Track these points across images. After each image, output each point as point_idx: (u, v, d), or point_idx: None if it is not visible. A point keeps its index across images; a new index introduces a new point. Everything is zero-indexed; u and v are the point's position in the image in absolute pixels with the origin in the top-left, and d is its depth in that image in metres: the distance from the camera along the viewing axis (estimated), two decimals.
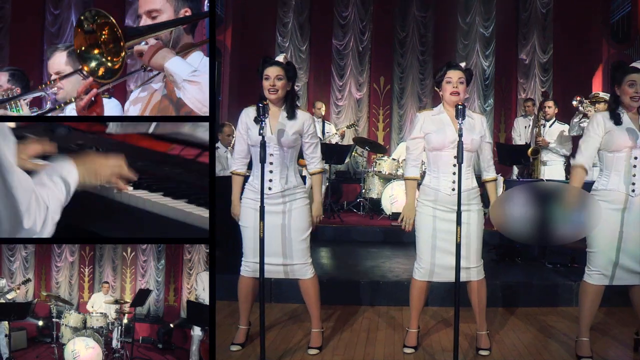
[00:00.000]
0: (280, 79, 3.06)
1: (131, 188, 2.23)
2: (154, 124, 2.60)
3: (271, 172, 3.11)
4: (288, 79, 3.09)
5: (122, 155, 2.09)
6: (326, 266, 5.13)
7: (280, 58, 3.12)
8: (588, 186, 3.13)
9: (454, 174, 3.08)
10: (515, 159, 6.30)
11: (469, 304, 3.27)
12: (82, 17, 2.38)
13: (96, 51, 2.38)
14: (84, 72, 2.45)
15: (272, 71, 3.06)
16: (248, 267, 3.19)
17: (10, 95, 2.89)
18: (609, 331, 3.65)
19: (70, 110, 2.83)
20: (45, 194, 1.84)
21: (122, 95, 4.25)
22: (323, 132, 7.41)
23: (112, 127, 2.57)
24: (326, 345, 3.32)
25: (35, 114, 2.88)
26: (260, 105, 2.84)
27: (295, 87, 3.33)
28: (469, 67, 3.24)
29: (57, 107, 2.79)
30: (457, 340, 2.86)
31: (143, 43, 2.58)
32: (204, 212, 2.19)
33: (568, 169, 5.98)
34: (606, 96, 4.74)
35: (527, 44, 9.11)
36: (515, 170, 6.85)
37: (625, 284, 3.09)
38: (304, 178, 6.34)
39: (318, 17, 9.31)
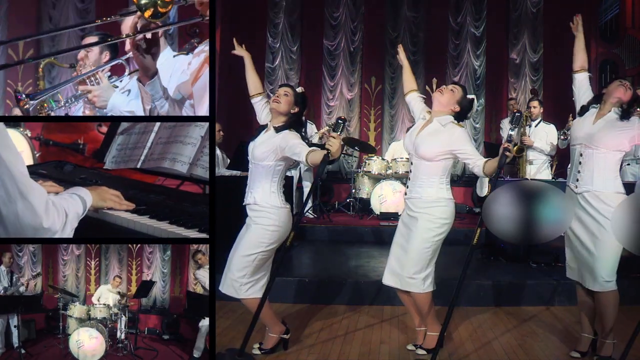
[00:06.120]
0: (287, 95, 3.09)
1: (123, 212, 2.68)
2: (140, 161, 2.94)
3: (247, 184, 3.12)
4: (295, 102, 3.10)
5: (118, 190, 2.63)
6: (310, 266, 5.15)
7: (298, 89, 3.18)
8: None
9: (409, 179, 3.22)
10: None
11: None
12: None
13: None
14: (140, 13, 2.60)
15: (282, 90, 3.12)
16: None
17: (94, 67, 3.09)
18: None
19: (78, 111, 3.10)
20: (66, 204, 2.31)
21: None
22: (305, 132, 7.41)
23: (108, 164, 3.03)
24: (303, 345, 3.34)
25: (113, 82, 3.09)
26: None
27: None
28: (472, 98, 3.19)
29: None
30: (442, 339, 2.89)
31: None
32: (184, 231, 2.55)
33: (553, 167, 6.00)
34: None
35: (517, 44, 9.12)
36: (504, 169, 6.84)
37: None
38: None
39: (309, 18, 9.33)
